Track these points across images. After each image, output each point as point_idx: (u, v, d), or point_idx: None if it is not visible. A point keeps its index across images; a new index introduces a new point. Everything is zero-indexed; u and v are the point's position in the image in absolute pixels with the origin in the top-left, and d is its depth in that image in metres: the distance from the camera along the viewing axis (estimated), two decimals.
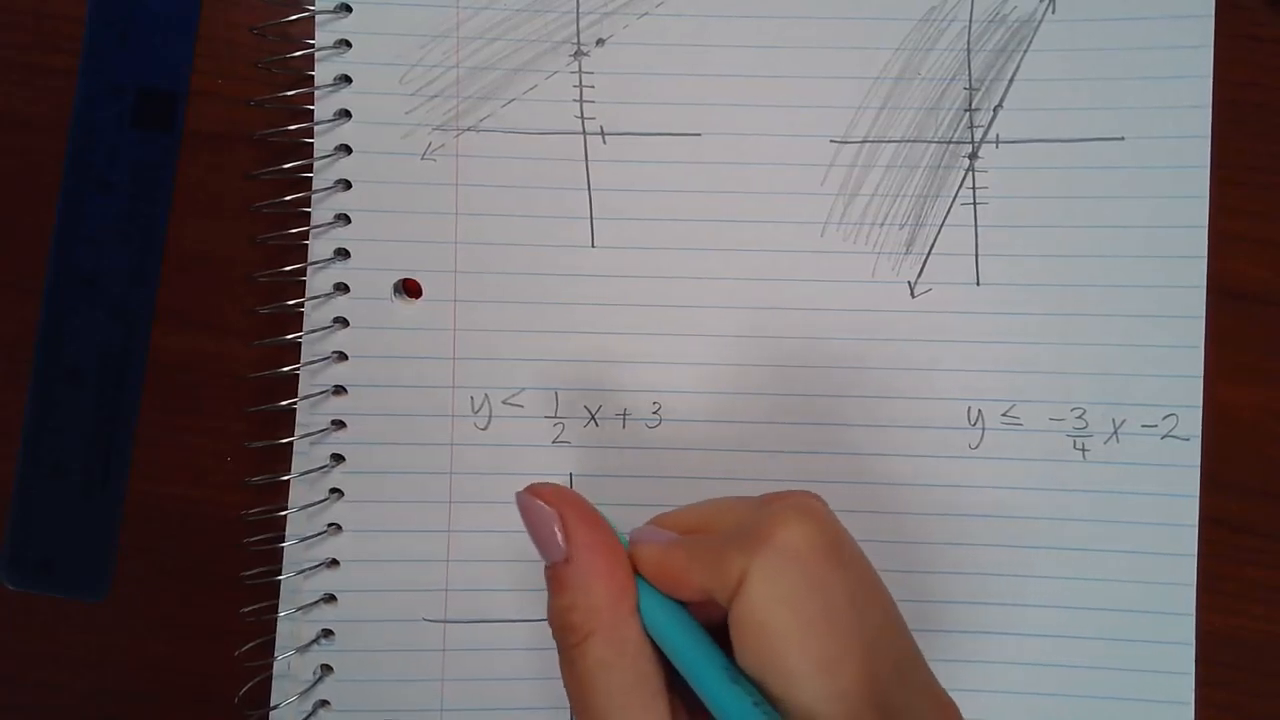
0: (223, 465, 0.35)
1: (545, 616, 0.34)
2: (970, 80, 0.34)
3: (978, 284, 0.34)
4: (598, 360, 0.34)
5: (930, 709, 0.24)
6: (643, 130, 0.35)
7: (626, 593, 0.24)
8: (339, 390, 0.35)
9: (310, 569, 0.34)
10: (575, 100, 0.35)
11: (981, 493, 0.34)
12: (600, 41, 0.35)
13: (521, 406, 0.35)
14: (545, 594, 0.34)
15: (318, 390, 0.34)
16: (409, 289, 0.35)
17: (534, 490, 0.25)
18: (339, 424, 0.34)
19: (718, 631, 0.24)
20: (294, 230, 0.35)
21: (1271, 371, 0.35)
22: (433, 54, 0.35)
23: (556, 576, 0.25)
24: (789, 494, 0.25)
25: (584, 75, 0.35)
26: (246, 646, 0.34)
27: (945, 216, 0.34)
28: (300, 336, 0.34)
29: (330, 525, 0.34)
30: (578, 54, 0.35)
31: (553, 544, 0.25)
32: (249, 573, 0.34)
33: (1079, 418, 0.34)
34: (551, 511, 0.25)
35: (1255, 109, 0.35)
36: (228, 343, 0.35)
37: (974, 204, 0.34)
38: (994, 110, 0.34)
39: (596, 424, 0.34)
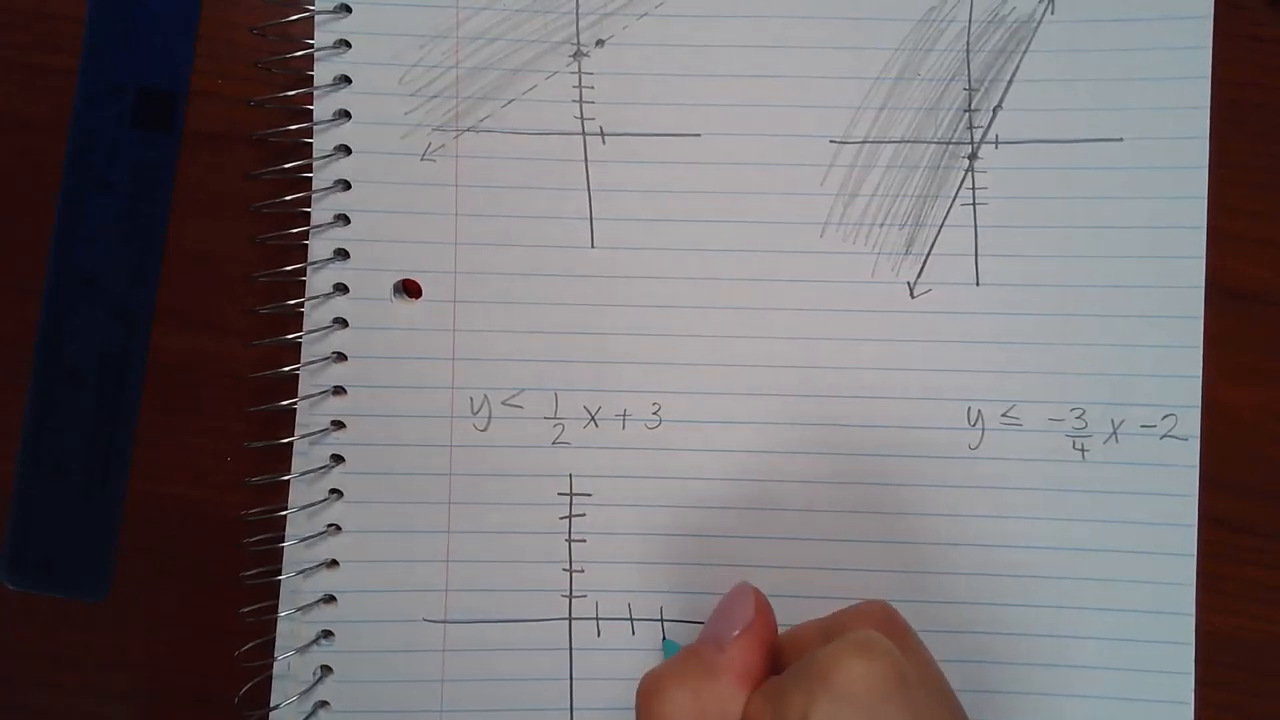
0: (223, 465, 0.35)
1: (551, 617, 0.34)
2: (970, 81, 0.34)
3: (977, 284, 0.34)
4: (597, 361, 0.34)
5: None
6: (642, 131, 0.35)
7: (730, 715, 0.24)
8: (338, 391, 0.35)
9: (310, 569, 0.34)
10: (575, 101, 0.35)
11: (981, 493, 0.34)
12: (600, 42, 0.35)
13: (521, 407, 0.35)
14: (543, 593, 0.34)
15: (317, 390, 0.34)
16: (409, 289, 0.35)
17: (756, 594, 0.25)
18: (339, 424, 0.35)
19: None
20: (294, 230, 0.35)
21: (1271, 371, 0.35)
22: (432, 54, 0.35)
23: (698, 651, 0.24)
24: (856, 616, 0.25)
25: (584, 76, 0.35)
26: (246, 646, 0.34)
27: (945, 217, 0.34)
28: (300, 337, 0.34)
29: (330, 526, 0.34)
30: (577, 54, 0.35)
31: (726, 627, 0.24)
32: (249, 573, 0.34)
33: (1078, 418, 0.34)
34: (752, 613, 0.25)
35: (1255, 109, 0.35)
36: (228, 343, 0.35)
37: (973, 204, 0.34)
38: (993, 111, 0.34)
39: (596, 425, 0.34)
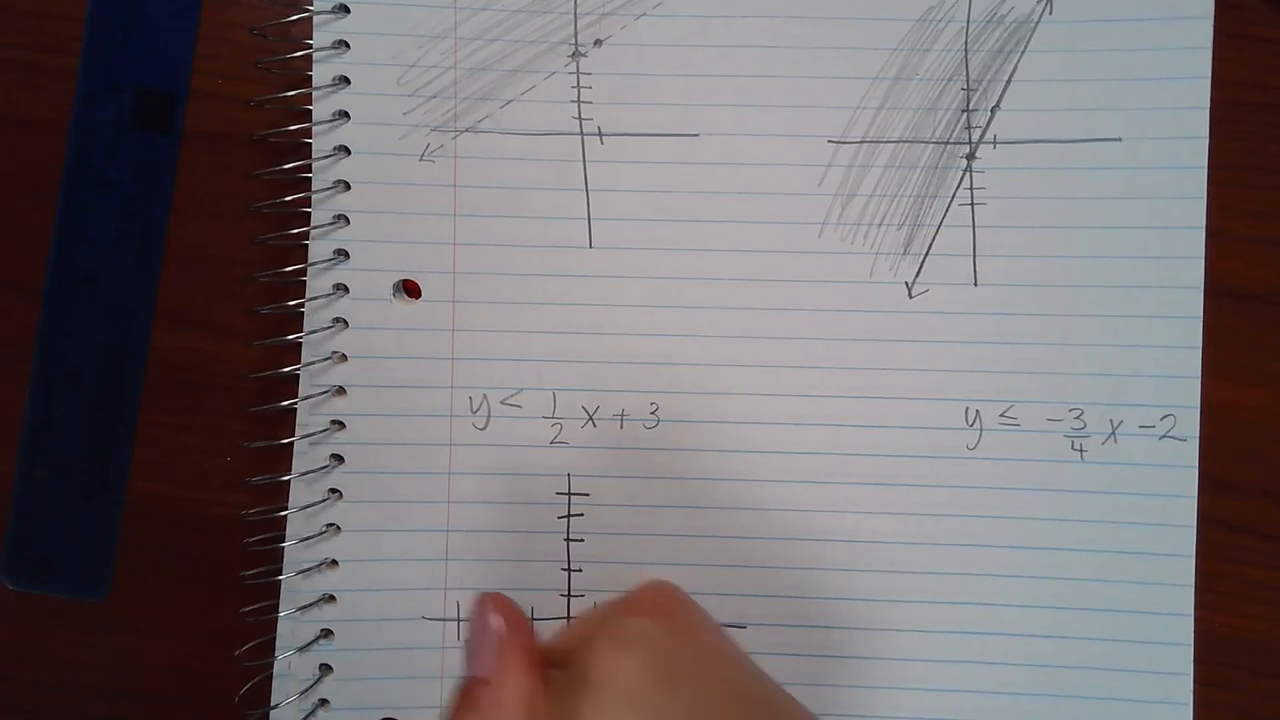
0: (223, 465, 0.35)
1: (549, 616, 0.34)
2: (968, 81, 0.34)
3: (975, 284, 0.34)
4: (596, 361, 0.34)
5: None
6: (640, 131, 0.35)
7: None
8: (339, 391, 0.35)
9: (310, 569, 0.34)
10: (573, 101, 0.35)
11: (979, 493, 0.34)
12: (598, 42, 0.35)
13: (520, 407, 0.35)
14: (542, 592, 0.34)
15: (318, 391, 0.35)
16: (408, 289, 0.35)
17: (495, 601, 0.24)
18: (339, 424, 0.35)
19: None
20: (294, 231, 0.35)
21: (1271, 371, 0.35)
22: (431, 55, 0.35)
23: (468, 691, 0.24)
24: (629, 602, 0.24)
25: (581, 76, 0.35)
26: (246, 646, 0.34)
27: (943, 217, 0.34)
28: (300, 337, 0.34)
29: (330, 525, 0.34)
30: (575, 55, 0.35)
31: (484, 661, 0.24)
32: (249, 573, 0.34)
33: (1077, 418, 0.34)
34: (498, 633, 0.24)
35: (1255, 109, 0.35)
36: (228, 343, 0.35)
37: (972, 204, 0.34)
38: (991, 111, 0.34)
39: (594, 425, 0.34)
